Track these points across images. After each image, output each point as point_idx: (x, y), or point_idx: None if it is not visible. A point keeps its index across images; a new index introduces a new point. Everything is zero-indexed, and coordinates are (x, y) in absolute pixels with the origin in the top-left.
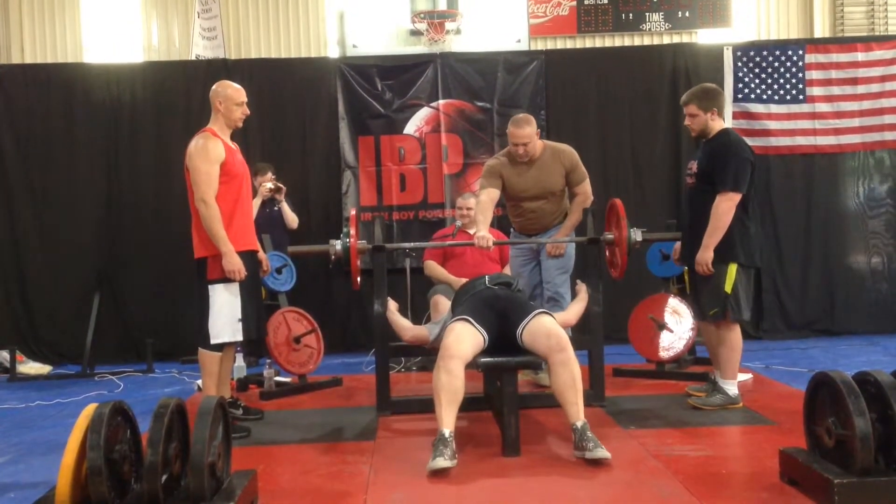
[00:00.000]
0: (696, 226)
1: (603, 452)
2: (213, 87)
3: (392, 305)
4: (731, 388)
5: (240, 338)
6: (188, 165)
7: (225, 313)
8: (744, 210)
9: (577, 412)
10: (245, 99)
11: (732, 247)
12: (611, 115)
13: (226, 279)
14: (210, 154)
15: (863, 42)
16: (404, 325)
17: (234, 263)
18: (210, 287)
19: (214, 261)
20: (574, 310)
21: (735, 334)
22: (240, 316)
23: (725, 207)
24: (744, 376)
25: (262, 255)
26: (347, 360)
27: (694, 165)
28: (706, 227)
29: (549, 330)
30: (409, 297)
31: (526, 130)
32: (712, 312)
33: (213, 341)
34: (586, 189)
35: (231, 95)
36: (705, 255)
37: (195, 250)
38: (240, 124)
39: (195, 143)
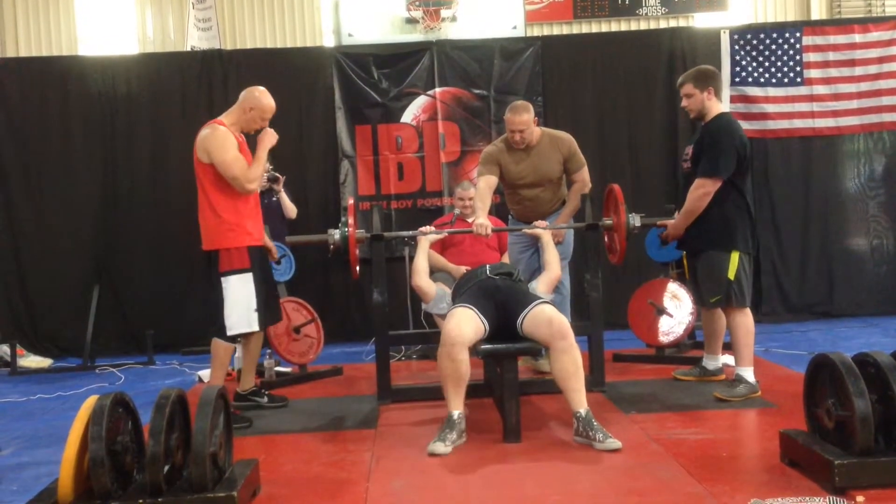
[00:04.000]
0: None
1: (614, 443)
2: (252, 89)
3: (425, 243)
4: (750, 376)
5: (256, 328)
6: (203, 159)
7: (240, 304)
8: (741, 196)
9: (580, 399)
10: (271, 117)
11: (733, 235)
12: (608, 100)
13: (239, 270)
14: (227, 143)
15: (860, 24)
16: (420, 269)
17: (270, 141)
18: (223, 279)
19: (226, 253)
20: (551, 261)
21: (748, 319)
22: (255, 306)
23: (699, 193)
24: None
25: (268, 242)
26: (347, 349)
27: (690, 150)
28: (704, 214)
29: (550, 318)
30: (409, 286)
31: (523, 117)
32: (714, 300)
33: (229, 332)
34: (584, 176)
35: (264, 107)
36: (675, 233)
37: (204, 243)
38: (251, 132)
39: (206, 137)
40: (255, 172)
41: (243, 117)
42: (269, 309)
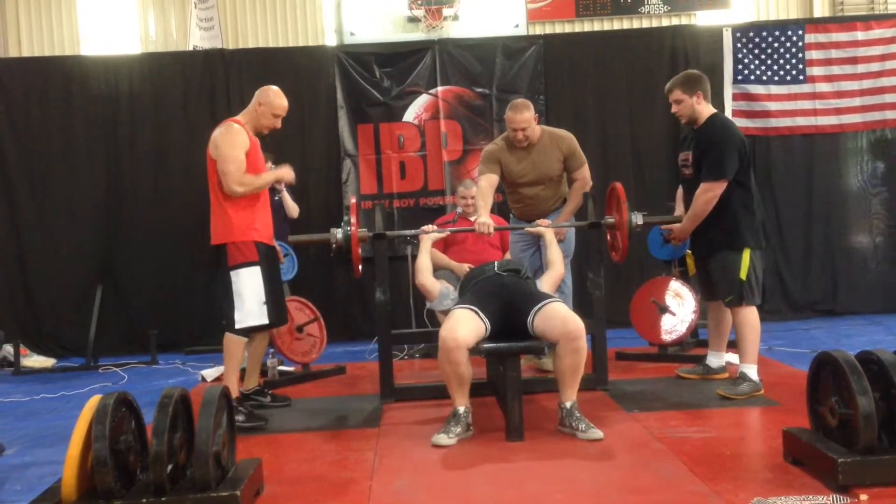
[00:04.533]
0: None
1: (596, 433)
2: (265, 88)
3: (428, 242)
4: (754, 374)
5: (266, 321)
6: (213, 154)
7: (250, 297)
8: (746, 192)
9: (571, 394)
10: (283, 114)
11: (741, 234)
12: (610, 98)
13: (248, 263)
14: (236, 140)
15: (862, 21)
16: (423, 268)
17: (282, 174)
18: (232, 273)
19: (234, 247)
20: (555, 259)
21: (754, 315)
22: (264, 299)
23: (707, 198)
24: None
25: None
26: (350, 348)
27: (689, 156)
28: (711, 215)
29: (564, 317)
30: (411, 285)
31: (524, 115)
32: (728, 300)
33: (238, 326)
34: (585, 174)
35: (274, 104)
36: (681, 236)
37: (213, 237)
38: (264, 132)
39: (220, 132)
40: (248, 179)
41: (254, 114)
42: (277, 306)
